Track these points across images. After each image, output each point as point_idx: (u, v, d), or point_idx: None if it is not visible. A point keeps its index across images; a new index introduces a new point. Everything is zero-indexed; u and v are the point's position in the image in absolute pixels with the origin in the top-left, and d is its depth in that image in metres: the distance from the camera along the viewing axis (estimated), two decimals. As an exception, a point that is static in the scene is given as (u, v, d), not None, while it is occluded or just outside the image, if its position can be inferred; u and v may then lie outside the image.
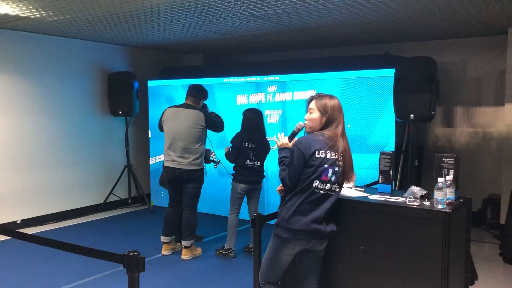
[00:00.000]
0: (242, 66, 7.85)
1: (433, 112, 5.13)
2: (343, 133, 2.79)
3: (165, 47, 7.49)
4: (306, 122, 2.84)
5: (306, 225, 2.67)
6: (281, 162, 2.82)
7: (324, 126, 2.78)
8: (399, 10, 4.63)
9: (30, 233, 4.56)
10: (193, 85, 5.03)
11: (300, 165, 2.68)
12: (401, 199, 2.90)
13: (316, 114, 2.78)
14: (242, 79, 6.58)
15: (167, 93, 7.22)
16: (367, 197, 3.02)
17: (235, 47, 7.32)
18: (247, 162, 4.81)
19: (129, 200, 7.44)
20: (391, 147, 5.41)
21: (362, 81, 5.67)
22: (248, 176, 4.84)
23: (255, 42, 6.77)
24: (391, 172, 3.16)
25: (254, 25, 5.46)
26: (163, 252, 4.99)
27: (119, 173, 7.22)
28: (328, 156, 2.69)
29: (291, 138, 2.91)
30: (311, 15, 4.88)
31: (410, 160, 5.56)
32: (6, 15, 4.98)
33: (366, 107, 5.65)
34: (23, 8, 4.69)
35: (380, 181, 3.18)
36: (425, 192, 2.89)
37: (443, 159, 2.93)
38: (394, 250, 2.79)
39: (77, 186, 6.83)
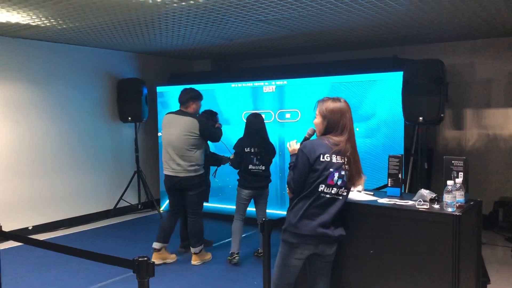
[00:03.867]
0: (250, 71, 7.87)
1: (442, 115, 5.10)
2: (351, 137, 2.75)
3: (173, 53, 7.54)
4: (314, 125, 2.86)
5: (314, 230, 2.66)
6: (290, 167, 2.83)
7: (328, 130, 2.75)
8: (406, 13, 4.62)
9: (41, 239, 4.60)
10: (181, 91, 4.92)
11: (304, 168, 2.68)
12: (410, 202, 2.88)
13: (318, 119, 2.79)
14: (250, 83, 6.60)
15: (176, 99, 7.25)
16: (376, 200, 3.01)
17: (243, 52, 7.34)
18: (250, 167, 4.77)
19: (139, 206, 7.48)
20: (400, 150, 5.38)
21: (370, 84, 5.66)
22: (252, 181, 4.80)
23: (263, 47, 6.79)
24: (400, 175, 3.14)
25: (262, 30, 5.48)
26: (153, 260, 4.54)
27: (129, 179, 7.26)
28: (334, 160, 2.68)
29: (302, 144, 2.90)
30: (318, 19, 4.89)
31: (420, 163, 5.52)
32: (17, 24, 5.06)
33: (375, 110, 5.63)
34: (33, 17, 4.76)
35: (389, 185, 3.16)
36: (435, 195, 2.87)
37: (452, 161, 2.91)
38: (403, 254, 2.77)
39: (87, 192, 6.88)
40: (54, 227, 6.37)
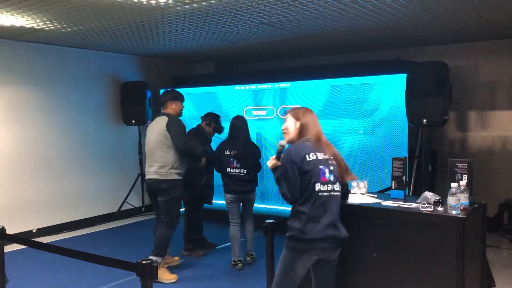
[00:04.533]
0: (253, 73, 7.88)
1: (446, 117, 5.09)
2: (325, 138, 2.85)
3: (177, 56, 7.56)
4: (283, 131, 2.89)
5: (321, 232, 2.64)
6: (277, 181, 2.80)
7: (302, 133, 2.81)
8: (409, 15, 4.62)
9: (45, 242, 4.62)
10: (162, 93, 4.77)
11: (295, 174, 2.67)
12: (414, 205, 2.87)
13: (290, 121, 2.86)
14: (253, 86, 6.61)
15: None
16: (380, 203, 3.01)
17: (246, 55, 7.35)
18: (228, 170, 4.69)
19: (143, 209, 7.49)
20: (404, 152, 5.37)
21: (374, 86, 5.65)
22: (233, 186, 4.68)
23: (266, 50, 6.79)
24: (404, 178, 3.13)
25: (265, 33, 5.49)
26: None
27: (133, 181, 7.27)
28: (320, 157, 2.72)
29: (278, 157, 2.88)
30: (321, 21, 4.89)
31: (424, 165, 5.51)
32: (22, 27, 5.08)
33: (378, 112, 5.62)
34: (37, 21, 4.78)
35: (393, 187, 3.16)
36: (439, 197, 2.87)
37: (456, 164, 2.90)
38: (407, 257, 2.76)
39: (91, 195, 6.89)
40: (58, 230, 6.38)
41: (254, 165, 4.77)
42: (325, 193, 2.68)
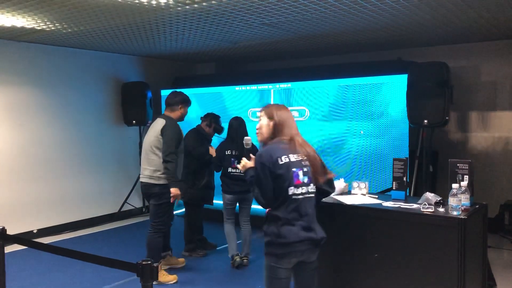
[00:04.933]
0: (254, 74, 7.87)
1: (446, 118, 5.09)
2: (299, 136, 2.76)
3: (177, 56, 7.56)
4: (257, 131, 2.83)
5: (297, 235, 2.57)
6: (250, 182, 2.75)
7: (276, 132, 2.73)
8: (410, 15, 4.61)
9: (46, 242, 4.61)
10: (171, 93, 4.61)
11: (267, 177, 2.60)
12: (415, 205, 2.87)
13: (264, 120, 2.78)
14: (254, 87, 6.60)
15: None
16: (380, 204, 3.00)
17: (247, 55, 7.35)
18: (229, 170, 4.72)
19: (144, 209, 7.49)
20: (405, 152, 5.36)
21: (375, 86, 5.65)
22: (233, 186, 4.71)
23: (267, 50, 6.79)
24: (405, 179, 3.13)
25: (265, 33, 5.48)
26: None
27: (133, 182, 7.27)
28: (293, 159, 2.63)
29: (247, 156, 2.85)
30: (322, 22, 4.89)
31: (425, 165, 5.50)
32: (22, 28, 5.09)
33: (379, 113, 5.62)
34: (38, 21, 4.79)
35: (394, 188, 3.16)
36: (440, 198, 2.86)
37: (457, 164, 2.90)
38: (408, 258, 2.76)
39: (92, 196, 6.89)
40: (59, 231, 6.38)
41: None
42: (300, 196, 2.61)
